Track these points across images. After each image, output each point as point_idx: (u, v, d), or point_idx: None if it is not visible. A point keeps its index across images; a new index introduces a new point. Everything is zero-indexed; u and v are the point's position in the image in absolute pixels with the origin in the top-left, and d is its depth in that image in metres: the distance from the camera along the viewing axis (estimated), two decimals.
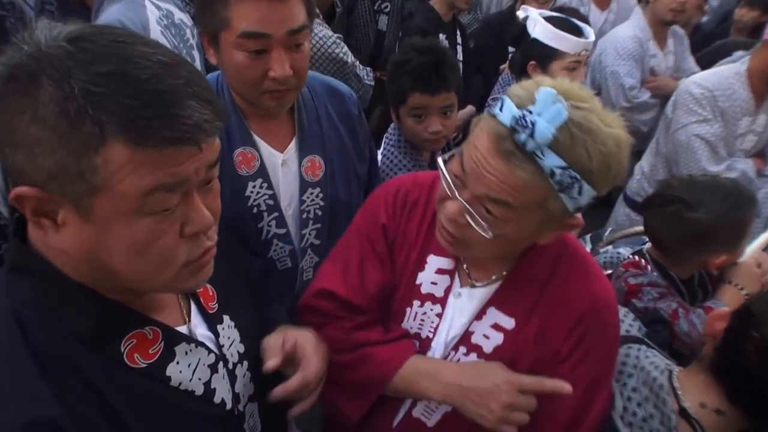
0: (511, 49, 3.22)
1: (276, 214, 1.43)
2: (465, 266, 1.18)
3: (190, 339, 0.88)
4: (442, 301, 1.17)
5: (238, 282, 1.06)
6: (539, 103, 0.89)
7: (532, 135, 0.88)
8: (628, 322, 1.33)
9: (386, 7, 3.40)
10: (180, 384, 0.84)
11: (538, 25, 2.17)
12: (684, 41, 3.39)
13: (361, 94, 2.61)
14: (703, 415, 1.09)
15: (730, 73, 2.44)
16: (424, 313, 1.18)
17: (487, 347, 1.14)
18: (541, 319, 1.11)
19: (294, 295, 1.53)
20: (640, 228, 1.97)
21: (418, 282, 1.19)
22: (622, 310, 1.37)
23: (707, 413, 1.08)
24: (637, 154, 3.52)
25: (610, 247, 2.00)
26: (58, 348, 0.72)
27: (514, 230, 0.99)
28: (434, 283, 1.18)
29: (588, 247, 2.14)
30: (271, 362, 0.97)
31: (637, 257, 1.71)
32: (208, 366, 0.90)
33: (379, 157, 2.01)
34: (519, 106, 0.92)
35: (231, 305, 1.00)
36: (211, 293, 0.97)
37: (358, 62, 2.60)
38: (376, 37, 3.32)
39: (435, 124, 1.82)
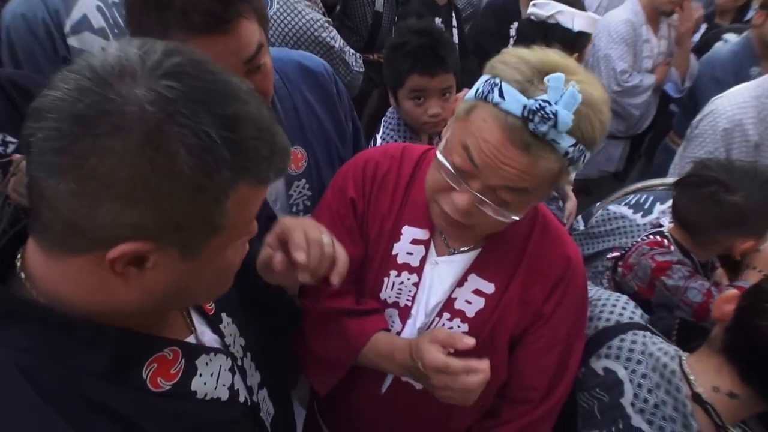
0: (512, 33, 3.18)
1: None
2: (442, 236, 1.18)
3: (208, 349, 0.86)
4: (419, 271, 1.18)
5: None
6: (553, 91, 0.88)
7: (555, 125, 0.88)
8: (630, 309, 1.31)
9: None
10: (206, 395, 0.83)
11: (576, 18, 2.16)
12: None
13: (348, 81, 2.53)
14: (716, 400, 1.07)
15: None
16: (401, 282, 1.19)
17: (470, 312, 1.16)
18: (521, 283, 1.15)
19: None
20: (659, 180, 2.02)
21: (394, 252, 1.19)
22: (623, 298, 1.35)
23: (720, 397, 1.07)
24: (630, 142, 3.49)
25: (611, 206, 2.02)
26: (74, 388, 0.67)
27: (526, 209, 1.03)
28: (410, 254, 1.19)
29: (581, 227, 2.13)
30: (277, 258, 0.95)
31: (659, 237, 1.69)
32: (228, 370, 0.89)
33: (378, 141, 1.98)
34: (526, 94, 0.90)
35: (224, 300, 0.98)
36: None
37: (348, 48, 2.53)
38: (373, 17, 3.25)
39: (434, 106, 1.79)
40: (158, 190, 0.58)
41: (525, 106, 0.89)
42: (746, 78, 2.87)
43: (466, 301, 1.16)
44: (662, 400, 1.12)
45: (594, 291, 1.40)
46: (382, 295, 1.21)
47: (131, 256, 0.62)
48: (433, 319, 1.18)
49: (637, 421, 1.14)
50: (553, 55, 0.96)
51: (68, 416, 0.64)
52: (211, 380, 0.84)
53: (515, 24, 3.20)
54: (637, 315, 1.32)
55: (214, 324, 0.93)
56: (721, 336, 1.11)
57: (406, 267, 1.19)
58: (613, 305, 1.33)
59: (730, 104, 2.24)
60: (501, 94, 0.91)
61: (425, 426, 1.24)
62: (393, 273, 1.19)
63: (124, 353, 0.72)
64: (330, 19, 2.39)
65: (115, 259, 0.61)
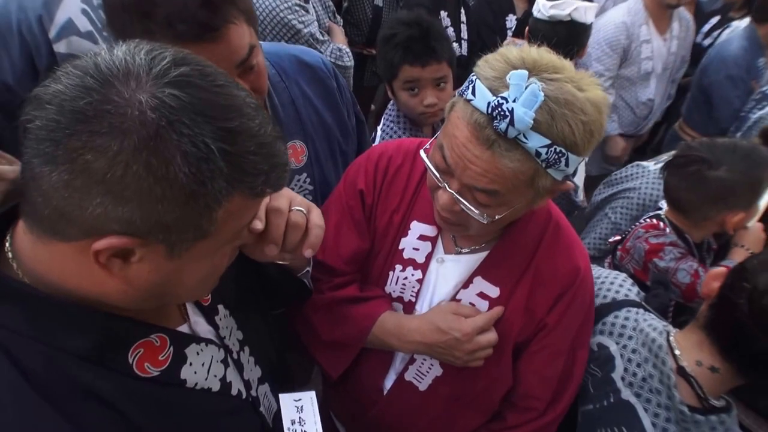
0: (509, 24, 3.14)
1: None
2: (451, 234, 1.19)
3: (199, 339, 0.87)
4: (423, 267, 1.19)
5: None
6: (513, 88, 0.87)
7: (512, 123, 0.86)
8: (627, 287, 1.33)
9: None
10: (196, 384, 0.84)
11: (588, 11, 2.17)
12: (690, 27, 3.22)
13: None
14: (699, 373, 1.09)
15: None
16: (405, 277, 1.20)
17: None
18: (527, 290, 1.14)
19: None
20: None
21: (401, 247, 1.21)
22: (620, 276, 1.37)
23: (703, 371, 1.09)
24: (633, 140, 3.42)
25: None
26: (59, 371, 0.68)
27: (507, 211, 1.00)
28: (416, 249, 1.20)
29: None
30: (268, 249, 0.93)
31: (655, 220, 1.73)
32: (221, 361, 0.90)
33: (378, 133, 2.00)
34: (492, 90, 0.89)
35: (221, 292, 0.99)
36: None
37: (328, 39, 2.43)
38: (373, 11, 3.26)
39: (429, 96, 1.80)
40: (150, 192, 0.60)
41: (488, 103, 0.88)
42: (755, 70, 2.86)
43: (470, 304, 1.17)
44: (650, 373, 1.14)
45: (595, 270, 1.42)
46: (387, 289, 1.23)
47: (117, 249, 0.64)
48: None
49: (626, 394, 1.16)
50: (539, 53, 0.93)
51: (51, 397, 0.66)
52: (202, 370, 0.85)
53: (510, 17, 3.16)
54: (632, 293, 1.34)
55: (209, 315, 0.94)
56: (705, 312, 1.12)
57: (411, 262, 1.20)
58: (611, 283, 1.35)
59: None
60: (473, 92, 0.91)
61: (430, 428, 1.25)
62: (398, 267, 1.21)
63: (109, 336, 0.73)
64: (301, 4, 2.27)
65: (100, 250, 0.63)
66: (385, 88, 3.48)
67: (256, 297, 1.13)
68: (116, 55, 0.62)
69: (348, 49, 2.53)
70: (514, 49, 0.95)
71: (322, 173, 1.47)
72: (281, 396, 1.00)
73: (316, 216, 0.97)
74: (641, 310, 1.26)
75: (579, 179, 2.16)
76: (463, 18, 3.13)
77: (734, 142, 1.66)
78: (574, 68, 0.94)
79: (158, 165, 0.59)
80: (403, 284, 1.21)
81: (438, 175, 1.00)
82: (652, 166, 2.04)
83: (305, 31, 2.29)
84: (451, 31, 3.00)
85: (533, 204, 1.03)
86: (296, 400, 0.99)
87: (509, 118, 0.86)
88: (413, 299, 1.21)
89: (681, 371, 1.10)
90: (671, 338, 1.15)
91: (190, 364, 0.83)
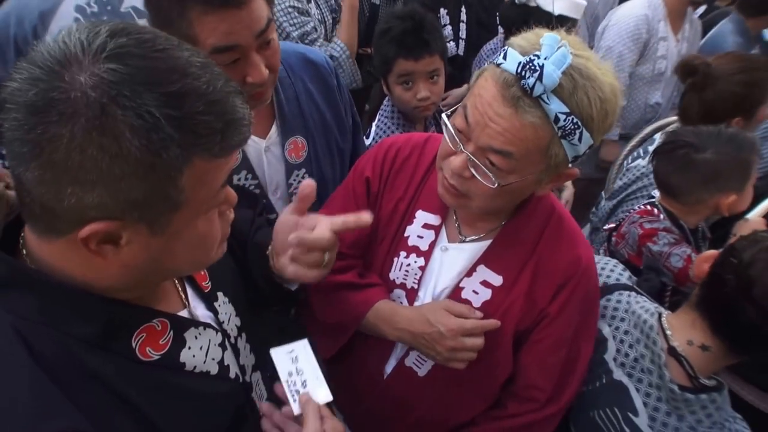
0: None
1: (263, 201, 1.42)
2: (456, 222, 1.21)
3: (197, 323, 0.88)
4: (426, 255, 1.21)
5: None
6: (545, 48, 0.92)
7: (540, 78, 0.90)
8: (618, 271, 1.36)
9: None
10: (195, 368, 0.85)
11: (557, 1, 2.17)
12: (698, 29, 3.13)
13: None
14: (690, 352, 1.11)
15: None
16: (408, 264, 1.23)
17: (476, 302, 1.18)
18: (529, 279, 1.16)
19: None
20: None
21: (406, 234, 1.23)
22: (612, 261, 1.40)
23: (694, 350, 1.11)
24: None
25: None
26: (67, 355, 0.70)
27: (517, 179, 1.02)
28: (420, 237, 1.23)
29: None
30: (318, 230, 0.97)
31: (649, 207, 1.76)
32: (218, 345, 0.91)
33: (373, 129, 2.02)
34: (523, 54, 0.94)
35: (221, 280, 1.02)
36: (203, 272, 0.99)
37: (317, 37, 2.45)
38: (370, 10, 3.26)
39: (423, 89, 1.83)
40: (110, 171, 0.60)
41: (519, 63, 0.93)
42: None
43: (474, 291, 1.18)
44: (641, 353, 1.16)
45: None
46: (391, 275, 1.25)
47: (103, 235, 0.65)
48: None
49: (618, 375, 1.18)
50: (564, 34, 0.98)
51: (59, 380, 0.68)
52: (200, 353, 0.86)
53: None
54: (624, 277, 1.36)
55: (208, 301, 0.95)
56: (697, 292, 1.14)
57: (415, 250, 1.22)
58: (602, 268, 1.38)
59: None
60: (504, 56, 0.97)
61: (429, 414, 1.26)
62: (402, 254, 1.23)
63: (115, 322, 0.75)
64: (297, 6, 2.31)
65: (86, 238, 0.64)
66: (379, 89, 3.50)
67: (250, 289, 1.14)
68: (56, 42, 0.62)
69: (340, 48, 2.55)
70: (544, 29, 1.00)
71: (320, 170, 1.50)
72: (272, 350, 0.96)
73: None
74: (633, 293, 1.28)
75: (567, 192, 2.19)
76: (463, 17, 3.11)
77: (718, 128, 1.68)
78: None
79: (109, 143, 0.59)
80: (406, 271, 1.23)
81: (456, 136, 1.03)
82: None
83: (295, 34, 2.35)
84: (449, 29, 3.00)
85: (540, 182, 1.06)
86: (289, 352, 0.96)
87: (538, 73, 0.90)
88: (416, 286, 1.23)
89: (671, 351, 1.12)
90: (663, 319, 1.17)
91: (189, 347, 0.85)
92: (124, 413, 0.74)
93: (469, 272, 1.19)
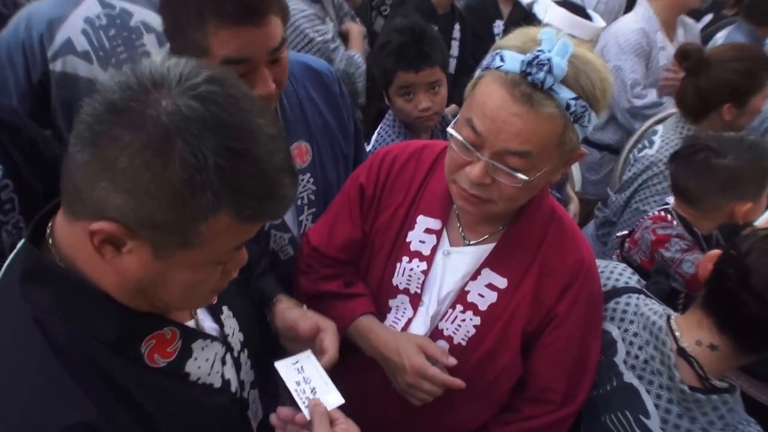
0: (497, 30, 3.15)
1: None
2: (459, 226, 1.22)
3: (205, 335, 0.90)
4: (428, 260, 1.22)
5: None
6: (546, 42, 0.96)
7: (550, 71, 0.94)
8: (627, 275, 1.35)
9: (385, 10, 3.34)
10: (199, 379, 0.87)
11: (550, 10, 2.18)
12: (695, 32, 3.14)
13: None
14: (699, 353, 1.10)
15: None
16: (411, 269, 1.23)
17: (482, 305, 1.19)
18: (535, 280, 1.17)
19: None
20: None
21: (408, 240, 1.24)
22: (620, 265, 1.40)
23: (703, 350, 1.10)
24: None
25: None
26: (83, 350, 0.74)
27: (536, 175, 1.04)
28: (422, 242, 1.24)
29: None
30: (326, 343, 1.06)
31: (663, 213, 1.76)
32: (222, 358, 0.93)
33: (374, 137, 2.04)
34: (523, 52, 0.97)
35: (227, 295, 1.02)
36: None
37: (338, 46, 2.51)
38: (370, 37, 3.28)
39: (424, 100, 1.84)
40: (145, 188, 0.65)
41: (522, 61, 0.95)
42: None
43: (479, 295, 1.19)
44: (651, 355, 1.16)
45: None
46: (394, 281, 1.25)
47: (109, 235, 0.69)
48: (447, 311, 1.21)
49: (629, 377, 1.17)
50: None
51: (73, 372, 0.71)
52: (206, 365, 0.89)
53: (498, 22, 3.16)
54: (633, 280, 1.36)
55: (215, 314, 0.98)
56: (703, 291, 1.14)
57: (417, 254, 1.23)
58: (611, 272, 1.37)
59: None
60: (502, 59, 0.99)
61: (440, 420, 1.25)
62: (405, 259, 1.24)
63: (128, 325, 0.78)
64: (319, 14, 2.40)
65: (94, 231, 0.68)
66: (375, 101, 3.51)
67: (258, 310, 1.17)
68: (160, 64, 0.70)
69: (359, 55, 2.59)
70: (531, 27, 1.05)
71: (325, 174, 1.51)
72: (277, 363, 0.97)
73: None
74: (642, 296, 1.28)
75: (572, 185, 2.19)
76: (456, 34, 3.11)
77: (739, 134, 1.68)
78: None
79: (157, 164, 0.65)
80: (409, 276, 1.24)
81: (470, 147, 1.04)
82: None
83: (318, 39, 2.42)
84: None
85: (554, 172, 1.08)
86: (294, 363, 0.97)
87: (547, 66, 0.93)
88: (419, 291, 1.23)
89: (681, 352, 1.11)
90: (672, 320, 1.17)
91: (195, 358, 0.87)
92: (133, 414, 0.76)
93: (474, 275, 1.20)
